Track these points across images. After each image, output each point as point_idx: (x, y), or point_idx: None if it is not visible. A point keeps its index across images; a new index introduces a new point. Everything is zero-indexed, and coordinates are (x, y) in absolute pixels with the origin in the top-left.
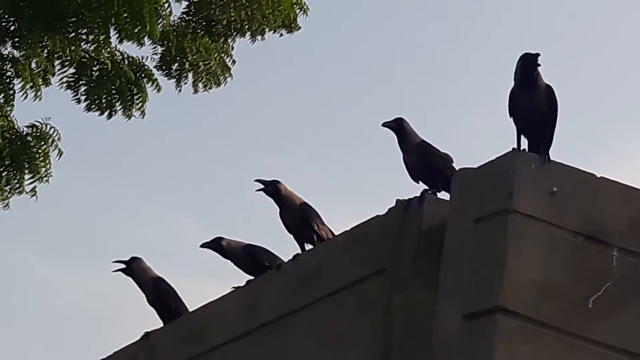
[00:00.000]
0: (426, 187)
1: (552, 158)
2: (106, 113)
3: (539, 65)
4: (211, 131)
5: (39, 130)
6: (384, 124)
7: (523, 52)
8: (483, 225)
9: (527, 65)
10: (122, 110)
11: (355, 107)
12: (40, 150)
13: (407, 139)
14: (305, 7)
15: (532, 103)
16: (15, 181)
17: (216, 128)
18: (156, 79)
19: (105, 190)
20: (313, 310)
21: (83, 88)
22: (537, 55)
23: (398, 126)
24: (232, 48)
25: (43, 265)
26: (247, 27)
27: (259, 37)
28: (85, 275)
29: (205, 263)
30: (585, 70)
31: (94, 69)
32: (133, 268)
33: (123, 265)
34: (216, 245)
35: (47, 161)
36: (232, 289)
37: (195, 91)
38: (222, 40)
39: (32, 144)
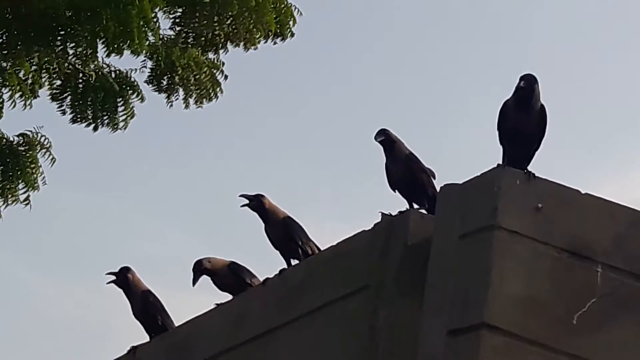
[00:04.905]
0: (405, 200)
1: (537, 174)
2: (92, 125)
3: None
4: (201, 143)
5: (29, 139)
6: (376, 138)
7: (527, 72)
8: (468, 241)
9: (529, 85)
10: (107, 122)
11: (346, 120)
12: (31, 159)
13: (395, 147)
14: (294, 17)
15: (526, 119)
16: (9, 191)
17: (208, 140)
18: (140, 90)
19: (96, 202)
20: (298, 326)
21: (68, 99)
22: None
23: (386, 138)
24: (223, 64)
25: (33, 275)
26: (234, 39)
27: (252, 47)
28: (74, 286)
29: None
30: (584, 84)
31: (79, 80)
32: (124, 278)
33: (114, 277)
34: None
35: (38, 169)
36: (215, 306)
37: (187, 106)
38: (213, 51)
39: (23, 153)
